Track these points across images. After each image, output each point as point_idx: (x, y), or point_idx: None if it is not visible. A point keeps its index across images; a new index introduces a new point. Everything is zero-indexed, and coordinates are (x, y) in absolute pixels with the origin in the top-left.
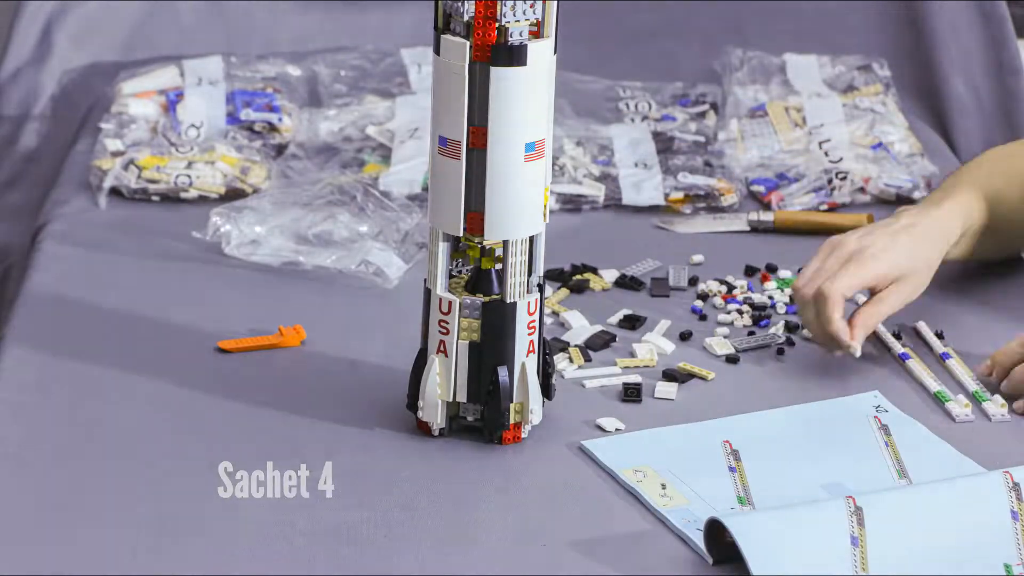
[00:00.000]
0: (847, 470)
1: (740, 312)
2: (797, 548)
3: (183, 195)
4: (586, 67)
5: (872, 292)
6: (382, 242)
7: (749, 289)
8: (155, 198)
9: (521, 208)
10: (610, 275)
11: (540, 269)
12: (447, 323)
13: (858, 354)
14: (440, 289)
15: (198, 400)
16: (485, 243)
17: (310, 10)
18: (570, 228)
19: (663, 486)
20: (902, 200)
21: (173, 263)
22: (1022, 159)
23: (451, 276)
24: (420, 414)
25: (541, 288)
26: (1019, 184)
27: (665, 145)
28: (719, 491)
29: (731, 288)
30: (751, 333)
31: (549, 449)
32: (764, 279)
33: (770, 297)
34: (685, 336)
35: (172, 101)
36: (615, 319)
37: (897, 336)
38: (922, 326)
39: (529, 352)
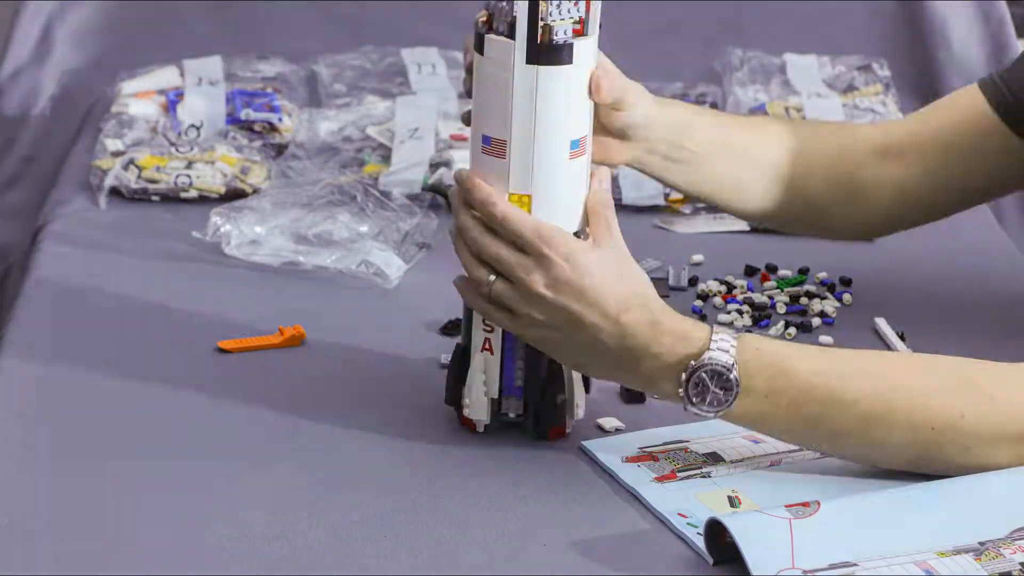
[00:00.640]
0: (844, 466)
1: (740, 312)
2: (797, 548)
3: (183, 195)
4: None
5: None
6: (382, 242)
7: (749, 289)
8: (155, 198)
9: (565, 205)
10: None
11: None
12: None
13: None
14: None
15: (198, 400)
16: None
17: (310, 10)
18: None
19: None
20: None
21: (173, 263)
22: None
23: None
24: (466, 412)
25: None
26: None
27: None
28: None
29: (731, 288)
30: (749, 331)
31: (549, 449)
32: (764, 279)
33: (770, 297)
34: None
35: (172, 101)
36: None
37: (902, 337)
38: (881, 324)
39: (483, 349)
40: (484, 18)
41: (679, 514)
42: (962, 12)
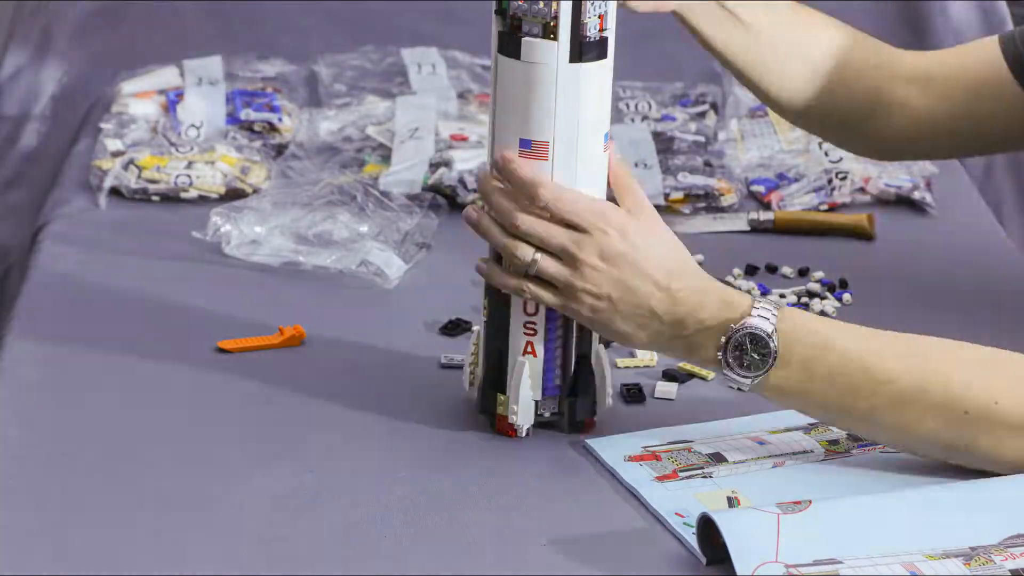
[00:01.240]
0: (847, 471)
1: None
2: (783, 543)
3: (183, 195)
4: None
5: None
6: (382, 242)
7: (760, 289)
8: (155, 198)
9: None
10: None
11: None
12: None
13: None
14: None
15: (198, 400)
16: None
17: (310, 10)
18: None
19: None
20: (902, 200)
21: (173, 263)
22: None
23: None
24: (513, 418)
25: None
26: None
27: (665, 145)
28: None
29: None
30: None
31: (549, 448)
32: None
33: (781, 295)
34: None
35: (172, 101)
36: None
37: None
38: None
39: (526, 352)
40: (505, 24)
41: (676, 514)
42: (962, 12)
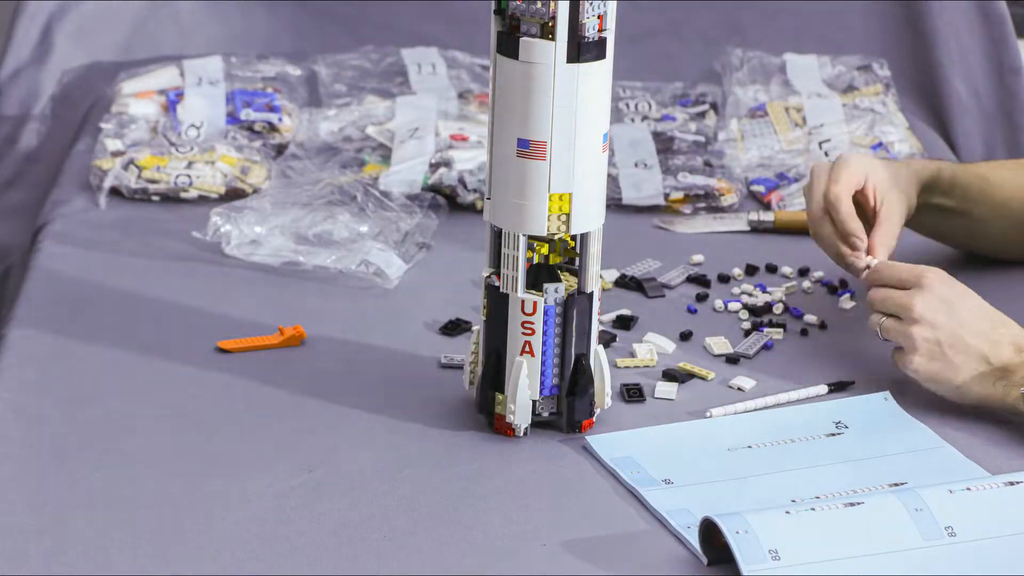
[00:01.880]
0: (846, 473)
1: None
2: (789, 549)
3: (183, 195)
4: None
5: (872, 216)
6: (382, 242)
7: (759, 288)
8: (155, 198)
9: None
10: (610, 275)
11: (586, 283)
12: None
13: (871, 263)
14: (521, 291)
15: (198, 400)
16: (566, 237)
17: (310, 10)
18: None
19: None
20: None
21: (173, 263)
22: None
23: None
24: (511, 418)
25: (581, 301)
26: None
27: (665, 145)
28: (718, 490)
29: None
30: (748, 333)
31: (549, 448)
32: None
33: (767, 297)
34: (685, 336)
35: (172, 101)
36: (607, 318)
37: None
38: None
39: (524, 352)
40: (504, 24)
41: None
42: (962, 12)
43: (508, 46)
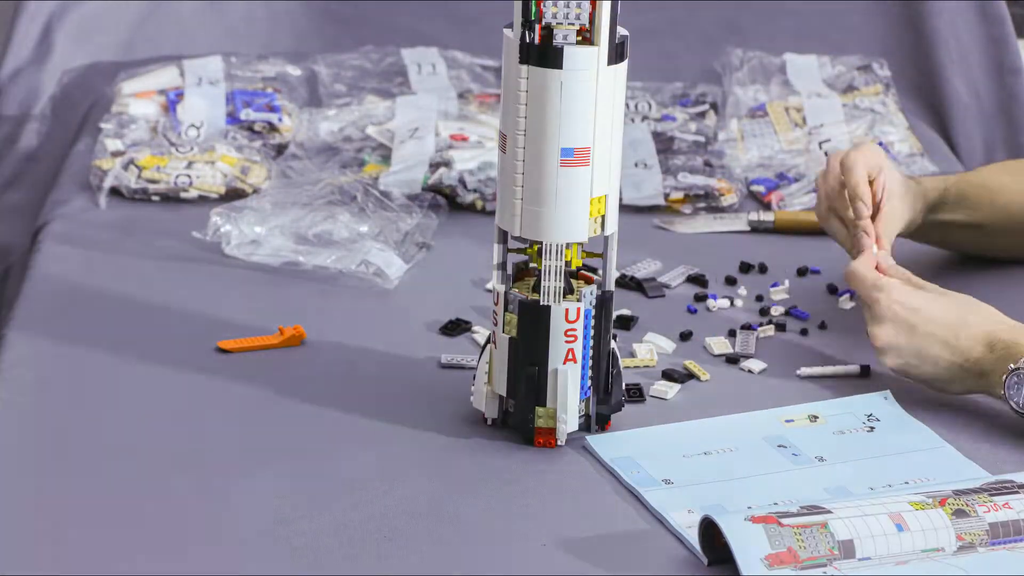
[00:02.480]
0: (845, 473)
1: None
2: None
3: (183, 195)
4: None
5: (875, 212)
6: (382, 242)
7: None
8: (155, 198)
9: (556, 213)
10: None
11: (609, 282)
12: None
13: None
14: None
15: (198, 400)
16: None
17: (310, 10)
18: None
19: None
20: None
21: (173, 263)
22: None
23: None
24: (563, 427)
25: (607, 300)
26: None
27: (665, 145)
28: (717, 489)
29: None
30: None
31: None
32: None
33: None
34: (685, 336)
35: (172, 101)
36: None
37: None
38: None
39: (567, 360)
40: (533, 34)
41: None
42: (962, 12)
43: (546, 57)
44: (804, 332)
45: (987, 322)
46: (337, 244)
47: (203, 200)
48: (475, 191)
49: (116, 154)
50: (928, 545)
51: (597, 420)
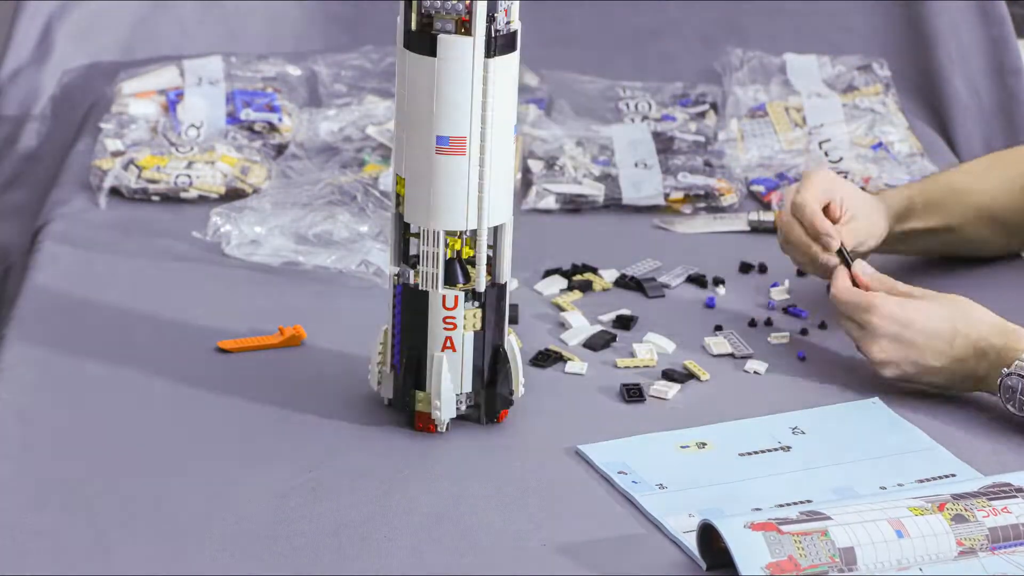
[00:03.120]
0: (844, 476)
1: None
2: (787, 552)
3: (183, 195)
4: (586, 67)
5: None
6: (382, 242)
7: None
8: (155, 198)
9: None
10: (610, 275)
11: (502, 274)
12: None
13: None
14: (442, 287)
15: (198, 400)
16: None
17: (310, 10)
18: (570, 228)
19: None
20: None
21: (173, 263)
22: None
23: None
24: (437, 414)
25: (500, 292)
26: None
27: (665, 145)
28: (713, 495)
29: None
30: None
31: (547, 451)
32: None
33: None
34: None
35: (172, 101)
36: (607, 318)
37: None
38: None
39: (445, 347)
40: (416, 20)
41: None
42: (962, 12)
43: (422, 43)
44: (804, 332)
45: (977, 327)
46: (337, 244)
47: (203, 200)
48: None
49: (116, 154)
50: (928, 551)
51: (486, 411)
